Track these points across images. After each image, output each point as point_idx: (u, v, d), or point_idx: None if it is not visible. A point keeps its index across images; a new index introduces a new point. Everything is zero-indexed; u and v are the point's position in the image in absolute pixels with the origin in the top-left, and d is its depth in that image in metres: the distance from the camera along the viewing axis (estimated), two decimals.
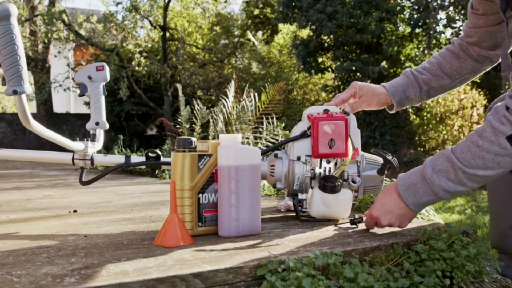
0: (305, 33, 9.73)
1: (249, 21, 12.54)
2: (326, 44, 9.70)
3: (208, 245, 1.08)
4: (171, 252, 1.01)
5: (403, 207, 1.15)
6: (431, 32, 9.37)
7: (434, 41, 9.62)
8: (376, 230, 1.24)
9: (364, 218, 1.23)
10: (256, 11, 12.56)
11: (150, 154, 1.51)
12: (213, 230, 1.18)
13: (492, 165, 1.06)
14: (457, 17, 9.36)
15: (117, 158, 1.58)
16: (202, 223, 1.17)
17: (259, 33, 11.41)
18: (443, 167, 1.09)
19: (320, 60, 9.83)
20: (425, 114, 10.70)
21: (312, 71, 9.65)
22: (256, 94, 4.47)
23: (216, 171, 1.17)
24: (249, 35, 10.70)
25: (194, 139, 1.18)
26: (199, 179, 1.16)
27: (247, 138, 4.12)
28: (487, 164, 1.06)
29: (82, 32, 10.22)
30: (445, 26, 9.57)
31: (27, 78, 1.19)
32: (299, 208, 1.37)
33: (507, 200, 1.36)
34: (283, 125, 4.31)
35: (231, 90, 4.50)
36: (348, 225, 1.31)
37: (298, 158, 1.34)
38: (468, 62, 1.47)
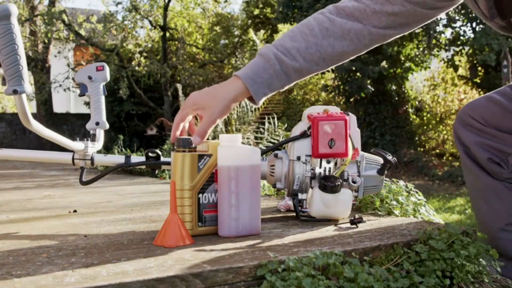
0: None
1: (249, 21, 12.54)
2: None
3: (208, 245, 1.08)
4: (171, 252, 1.01)
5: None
6: (431, 32, 9.37)
7: (434, 41, 9.62)
8: (376, 230, 1.24)
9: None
10: (256, 11, 12.56)
11: (150, 154, 1.51)
12: (213, 230, 1.18)
13: None
14: (457, 17, 9.36)
15: (117, 158, 1.57)
16: (202, 223, 1.17)
17: (261, 32, 11.40)
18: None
19: None
20: (425, 114, 10.70)
21: None
22: None
23: (216, 171, 1.17)
24: (251, 33, 10.72)
25: (193, 139, 1.18)
26: (199, 179, 1.16)
27: (248, 139, 4.12)
28: None
29: (82, 32, 10.22)
30: (445, 26, 9.58)
31: (27, 77, 1.19)
32: (299, 208, 1.37)
33: (493, 203, 1.36)
34: (285, 125, 4.31)
35: None
36: (348, 225, 1.31)
37: (298, 158, 1.34)
38: (355, 44, 1.23)
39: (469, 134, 1.38)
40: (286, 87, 1.25)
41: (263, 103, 4.43)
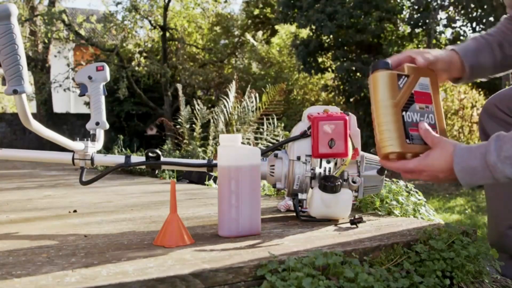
0: (305, 33, 9.73)
1: (249, 21, 12.53)
2: (326, 44, 9.70)
3: (208, 245, 1.08)
4: (171, 252, 1.01)
5: (451, 179, 1.04)
6: (431, 32, 9.37)
7: (434, 41, 9.62)
8: (376, 230, 1.24)
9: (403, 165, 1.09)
10: (256, 11, 12.55)
11: (150, 154, 1.51)
12: (421, 149, 1.11)
13: None
14: (457, 17, 9.36)
15: (117, 158, 1.57)
16: (410, 140, 1.11)
17: (259, 33, 11.40)
18: (510, 154, 0.98)
19: (320, 60, 9.83)
20: None
21: (312, 71, 9.65)
22: (256, 94, 4.47)
23: (416, 92, 1.14)
24: (248, 36, 10.74)
25: (389, 61, 1.15)
26: (401, 97, 1.12)
27: (248, 139, 4.12)
28: None
29: (82, 32, 10.21)
30: (445, 26, 9.57)
31: (27, 77, 1.19)
32: (299, 208, 1.37)
33: (506, 200, 1.36)
34: (283, 125, 4.31)
35: (232, 91, 4.50)
36: (348, 225, 1.31)
37: (298, 158, 1.34)
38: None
39: (493, 125, 1.34)
40: (494, 71, 1.27)
41: (264, 104, 4.42)
